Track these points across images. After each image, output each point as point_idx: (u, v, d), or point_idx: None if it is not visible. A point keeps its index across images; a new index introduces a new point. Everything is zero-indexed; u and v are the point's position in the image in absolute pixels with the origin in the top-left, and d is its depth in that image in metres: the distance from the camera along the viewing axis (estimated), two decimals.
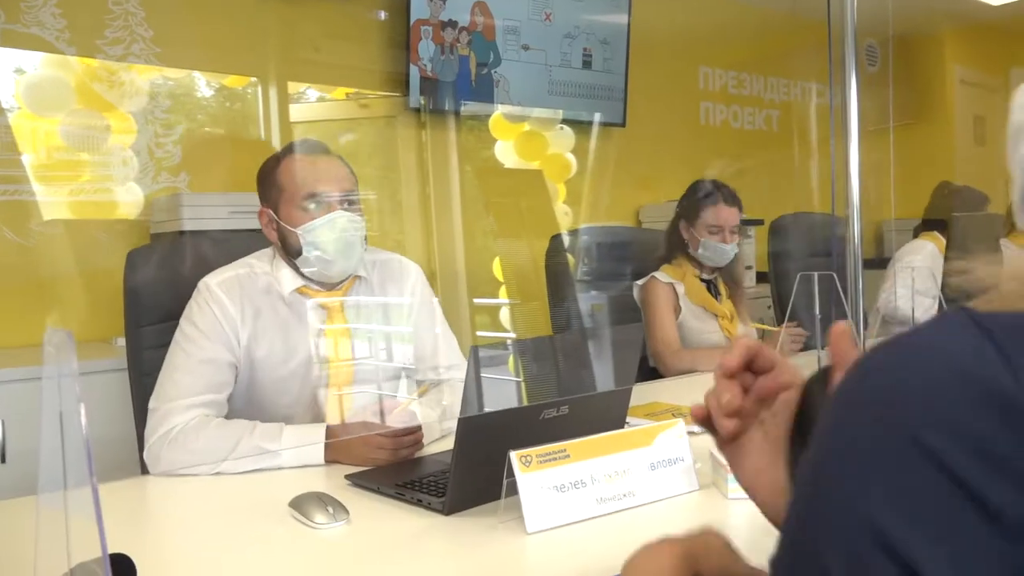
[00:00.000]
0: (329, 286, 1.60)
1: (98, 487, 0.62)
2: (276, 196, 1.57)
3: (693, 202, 2.44)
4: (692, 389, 2.07)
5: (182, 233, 2.43)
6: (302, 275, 1.58)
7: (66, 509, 0.68)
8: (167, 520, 1.27)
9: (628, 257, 2.66)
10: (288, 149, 1.60)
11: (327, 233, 1.53)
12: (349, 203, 1.56)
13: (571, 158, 3.91)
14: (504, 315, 3.72)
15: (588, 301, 2.60)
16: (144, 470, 1.46)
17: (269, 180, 1.58)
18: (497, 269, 3.68)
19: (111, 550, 0.97)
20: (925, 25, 4.11)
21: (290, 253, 1.57)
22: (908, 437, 0.36)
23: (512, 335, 3.65)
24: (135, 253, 1.74)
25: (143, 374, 1.63)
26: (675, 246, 2.48)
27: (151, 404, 1.47)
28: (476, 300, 3.56)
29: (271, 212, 1.58)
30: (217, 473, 1.40)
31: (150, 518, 1.26)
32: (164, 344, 1.57)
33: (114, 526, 1.14)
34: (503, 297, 3.69)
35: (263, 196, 1.60)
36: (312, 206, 1.54)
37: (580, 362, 1.27)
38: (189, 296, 1.57)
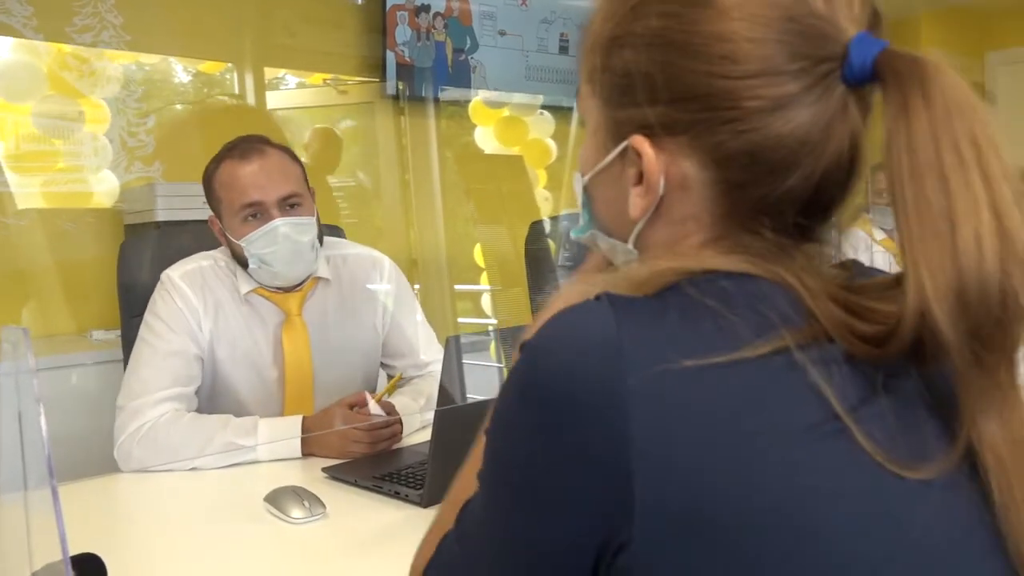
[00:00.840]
0: (287, 288, 1.55)
1: (58, 489, 0.60)
2: (217, 207, 1.51)
3: None
4: None
5: (157, 224, 2.39)
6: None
7: (26, 511, 0.66)
8: (140, 517, 1.25)
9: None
10: (223, 154, 1.51)
11: (268, 244, 1.46)
12: (291, 205, 1.48)
13: (551, 143, 3.89)
14: (486, 301, 3.70)
15: (553, 284, 2.57)
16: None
17: (209, 190, 1.52)
18: (478, 255, 3.66)
19: (81, 550, 0.95)
20: (902, 9, 4.13)
21: (240, 262, 1.53)
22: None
23: (494, 321, 3.63)
24: (128, 244, 1.74)
25: None
26: None
27: (119, 402, 1.44)
28: (457, 287, 3.54)
29: (218, 221, 1.53)
30: (192, 468, 1.38)
31: (122, 515, 1.24)
32: None
33: (84, 524, 1.12)
34: (484, 283, 3.68)
35: (209, 204, 1.55)
36: (250, 216, 1.47)
37: None
38: None
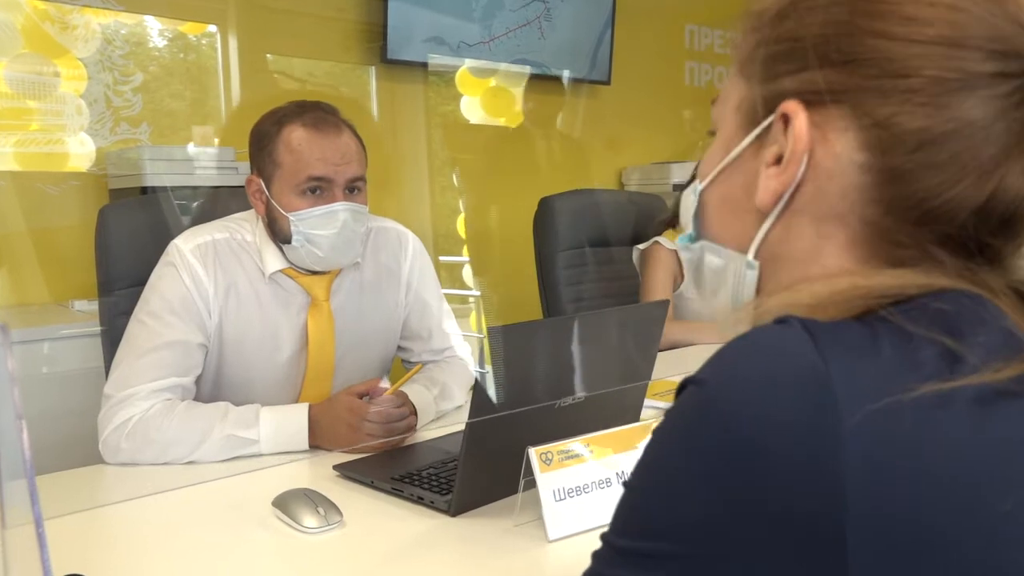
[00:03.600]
0: (316, 271, 1.42)
1: (44, 527, 0.48)
2: (270, 170, 1.35)
3: None
4: (688, 363, 1.96)
5: (144, 189, 2.23)
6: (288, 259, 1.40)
7: (4, 548, 0.54)
8: (129, 527, 1.07)
9: (599, 220, 2.52)
10: (291, 112, 1.35)
11: (323, 226, 1.33)
12: (351, 190, 1.36)
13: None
14: (467, 273, 3.59)
15: (562, 263, 2.47)
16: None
17: (264, 149, 1.35)
18: (461, 227, 3.53)
19: (64, 570, 0.83)
20: None
21: (277, 235, 1.37)
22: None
23: (476, 293, 3.53)
24: (108, 210, 1.55)
25: (117, 341, 1.43)
26: None
27: (106, 390, 1.29)
28: (441, 258, 3.42)
29: (262, 184, 1.36)
30: (188, 462, 1.25)
31: (109, 523, 1.08)
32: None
33: (66, 536, 0.99)
34: (467, 256, 3.56)
35: (255, 162, 1.38)
36: (310, 191, 1.33)
37: (600, 344, 1.14)
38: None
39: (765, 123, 0.50)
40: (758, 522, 0.40)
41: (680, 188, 3.52)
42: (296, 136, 1.33)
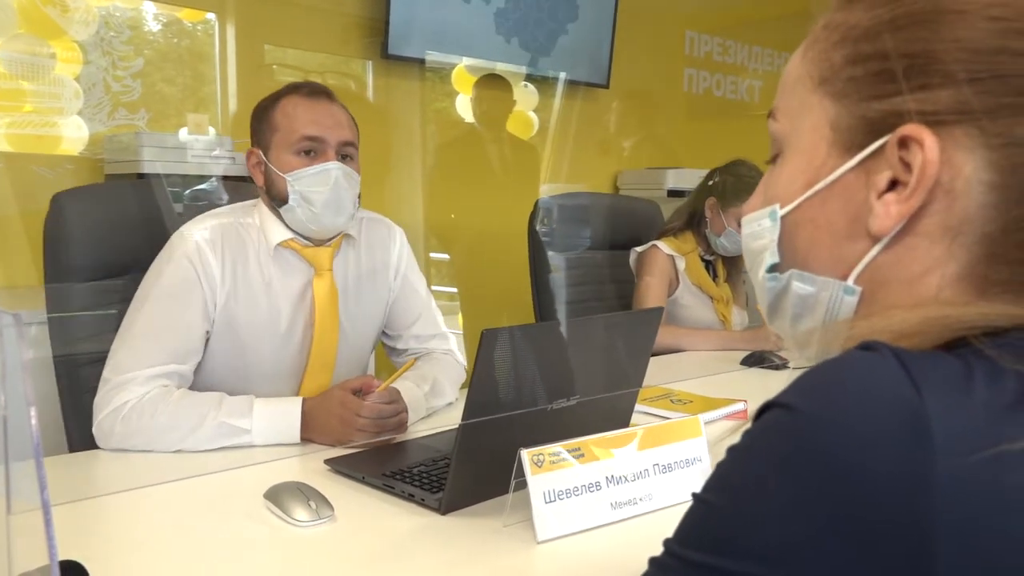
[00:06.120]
0: (317, 242, 1.47)
1: (51, 514, 0.48)
2: (269, 137, 1.42)
3: (737, 189, 2.23)
4: (678, 369, 1.97)
5: (140, 175, 2.23)
6: (290, 227, 1.44)
7: (8, 526, 0.54)
8: (123, 519, 1.08)
9: (594, 223, 2.53)
10: (286, 90, 1.46)
11: (318, 184, 1.39)
12: (345, 155, 1.43)
13: (533, 116, 3.74)
14: (456, 271, 3.60)
15: (556, 266, 2.48)
16: (88, 444, 1.30)
17: (263, 119, 1.44)
18: (453, 225, 3.54)
19: (59, 556, 0.83)
20: None
21: (275, 200, 1.43)
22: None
23: (455, 290, 3.54)
24: (62, 197, 1.47)
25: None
26: (692, 220, 2.34)
27: (104, 374, 1.30)
28: (432, 254, 3.43)
29: (261, 153, 1.44)
30: (177, 451, 1.25)
31: (104, 516, 1.08)
32: (98, 305, 1.44)
33: (61, 524, 0.99)
34: (458, 254, 3.56)
35: (255, 136, 1.46)
36: (305, 152, 1.40)
37: (593, 349, 1.15)
38: (132, 250, 1.46)
39: (873, 146, 0.48)
40: (846, 548, 0.39)
41: (676, 195, 3.54)
42: (291, 103, 1.43)
